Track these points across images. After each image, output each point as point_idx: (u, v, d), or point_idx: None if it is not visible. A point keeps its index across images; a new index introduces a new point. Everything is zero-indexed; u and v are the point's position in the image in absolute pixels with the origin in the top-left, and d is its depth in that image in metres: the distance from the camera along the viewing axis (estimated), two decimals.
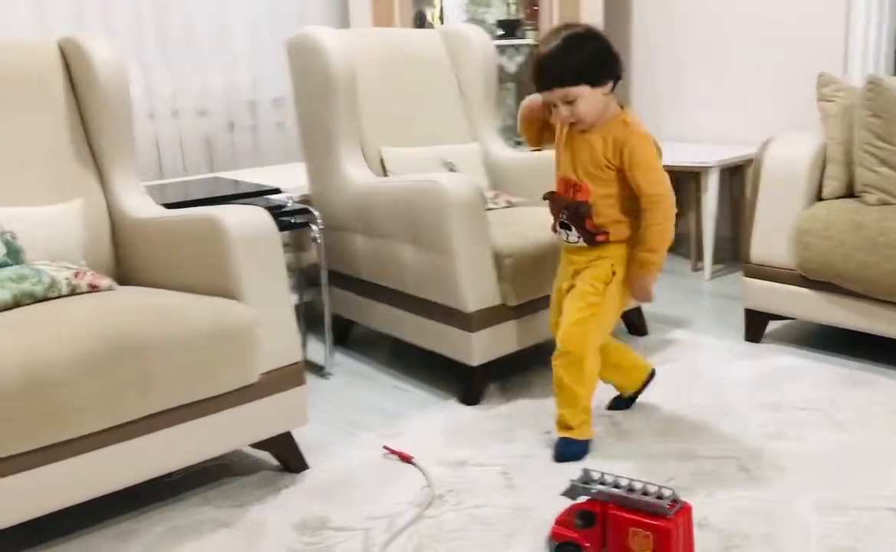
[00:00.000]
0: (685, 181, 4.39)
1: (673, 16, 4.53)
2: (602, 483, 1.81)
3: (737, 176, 4.28)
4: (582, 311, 2.31)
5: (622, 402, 2.63)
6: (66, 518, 2.01)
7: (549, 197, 2.41)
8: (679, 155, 4.12)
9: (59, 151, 2.50)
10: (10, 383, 1.76)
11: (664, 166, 2.34)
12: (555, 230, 2.41)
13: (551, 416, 2.50)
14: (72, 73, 2.55)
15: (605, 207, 2.29)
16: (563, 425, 2.36)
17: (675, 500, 1.74)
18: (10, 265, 2.20)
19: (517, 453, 2.41)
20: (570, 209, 2.32)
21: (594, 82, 2.19)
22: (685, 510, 1.76)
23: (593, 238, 2.31)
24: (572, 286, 2.37)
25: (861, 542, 1.91)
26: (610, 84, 2.23)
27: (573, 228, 2.33)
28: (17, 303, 2.13)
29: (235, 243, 2.14)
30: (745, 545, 1.92)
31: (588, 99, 2.20)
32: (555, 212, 2.39)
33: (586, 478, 1.83)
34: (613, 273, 2.31)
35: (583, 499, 1.82)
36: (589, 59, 2.19)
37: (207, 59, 3.89)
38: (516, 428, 2.57)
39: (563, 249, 2.43)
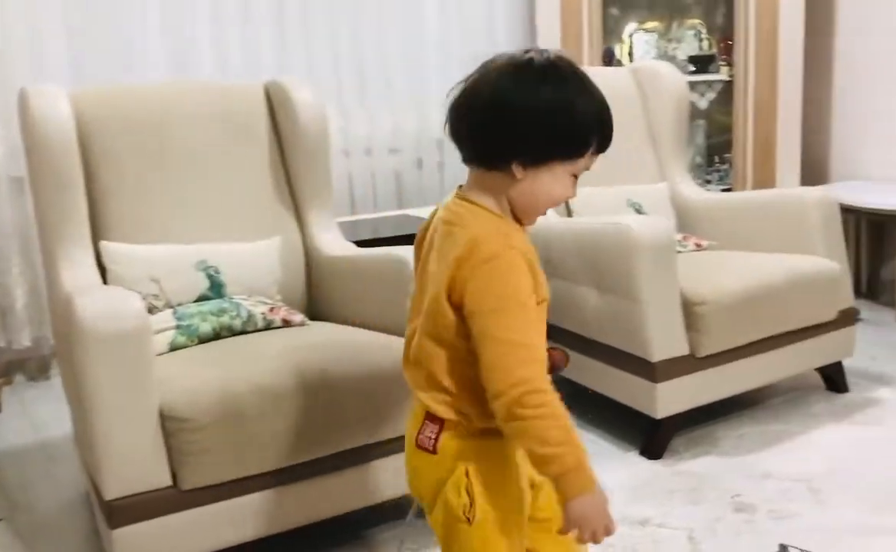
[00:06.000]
0: (891, 225, 4.09)
1: (878, 47, 4.23)
2: None
3: None
4: None
5: None
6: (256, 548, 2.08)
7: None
8: (886, 197, 3.86)
9: (263, 190, 2.61)
10: (206, 415, 1.84)
11: None
12: None
13: (745, 477, 2.36)
14: (276, 114, 2.68)
15: None
16: None
17: None
18: (212, 299, 2.32)
19: (705, 516, 2.28)
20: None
21: None
22: None
23: None
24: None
25: None
26: None
27: None
28: (216, 336, 2.24)
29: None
30: None
31: None
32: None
33: None
34: None
35: None
36: None
37: (400, 98, 4.01)
38: (704, 487, 2.44)
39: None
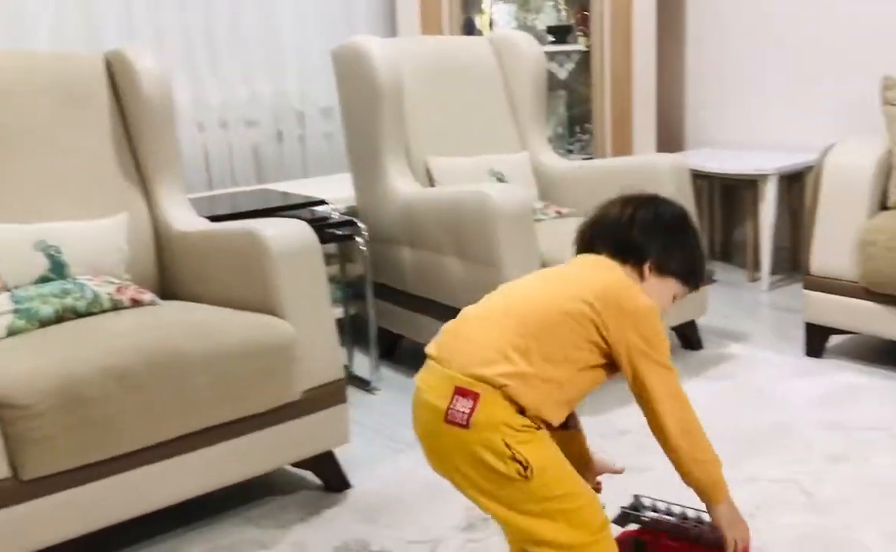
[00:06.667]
0: (742, 190, 4.26)
1: (727, 19, 4.40)
2: (654, 510, 1.73)
3: (796, 183, 4.13)
4: None
5: None
6: (105, 537, 1.98)
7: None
8: (736, 163, 4.01)
9: (105, 165, 2.49)
10: (45, 401, 1.74)
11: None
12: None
13: (603, 435, 2.42)
14: (117, 85, 2.55)
15: None
16: None
17: None
18: (54, 280, 2.19)
19: None
20: None
21: None
22: None
23: None
24: None
25: None
26: None
27: None
28: (59, 319, 2.11)
29: (275, 258, 2.10)
30: None
31: None
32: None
33: (637, 505, 1.74)
34: None
35: (633, 527, 1.73)
36: None
37: (256, 68, 3.88)
38: None
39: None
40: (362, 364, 3.18)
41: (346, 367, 3.04)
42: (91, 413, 1.79)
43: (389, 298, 3.14)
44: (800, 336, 3.11)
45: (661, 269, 1.60)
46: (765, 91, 4.31)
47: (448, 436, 1.43)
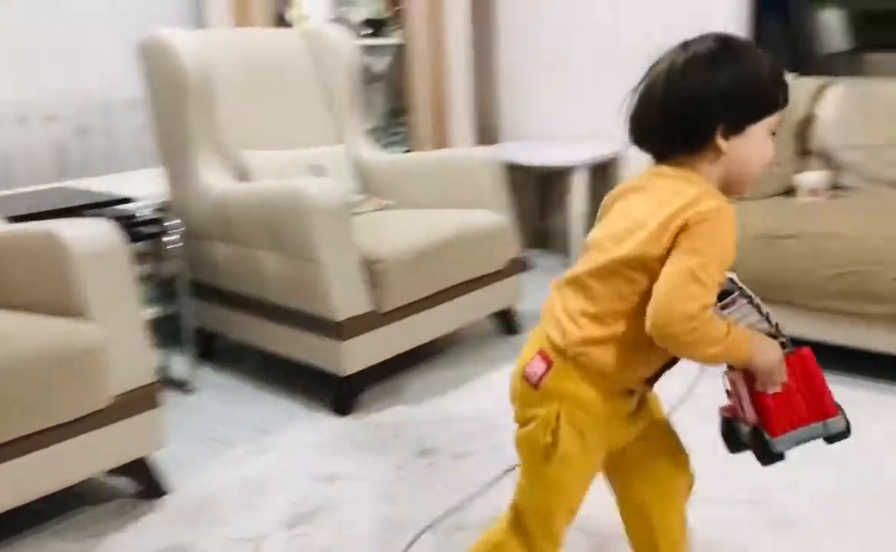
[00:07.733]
0: (555, 180, 4.43)
1: (539, 12, 4.56)
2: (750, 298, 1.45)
3: (607, 173, 4.33)
4: None
5: None
6: None
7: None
8: (547, 155, 4.16)
9: None
10: None
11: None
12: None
13: (428, 423, 2.45)
14: None
15: None
16: None
17: (783, 344, 1.40)
18: None
19: (392, 464, 2.34)
20: None
21: None
22: (798, 357, 1.42)
23: None
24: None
25: (729, 535, 1.94)
26: None
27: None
28: None
29: (77, 259, 1.99)
30: (607, 546, 1.91)
31: None
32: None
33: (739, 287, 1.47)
34: None
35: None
36: None
37: (51, 60, 3.65)
38: (390, 438, 2.50)
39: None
40: (181, 364, 3.07)
41: (163, 369, 2.94)
42: None
43: (206, 296, 3.05)
44: None
45: (737, 126, 1.36)
46: (575, 83, 4.48)
47: (521, 387, 1.45)
